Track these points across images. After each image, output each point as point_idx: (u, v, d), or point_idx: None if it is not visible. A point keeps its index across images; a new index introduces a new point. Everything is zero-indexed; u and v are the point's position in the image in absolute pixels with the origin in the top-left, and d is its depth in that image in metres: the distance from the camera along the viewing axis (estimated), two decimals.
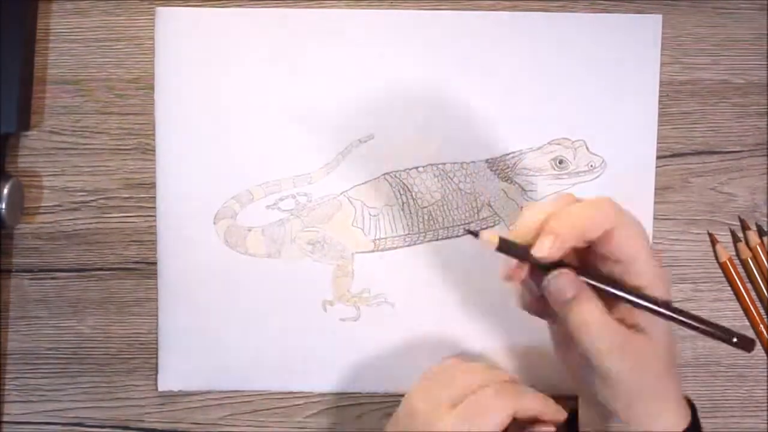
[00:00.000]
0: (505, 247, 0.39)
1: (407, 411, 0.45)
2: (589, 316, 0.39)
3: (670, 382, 0.42)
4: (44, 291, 0.54)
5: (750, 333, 0.54)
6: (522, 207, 0.53)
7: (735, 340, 0.41)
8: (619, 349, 0.39)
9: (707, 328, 0.41)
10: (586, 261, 0.41)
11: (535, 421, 0.44)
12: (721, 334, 0.41)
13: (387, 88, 0.53)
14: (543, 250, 0.38)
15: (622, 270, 0.40)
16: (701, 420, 0.44)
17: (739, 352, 0.54)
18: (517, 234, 0.40)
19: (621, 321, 0.40)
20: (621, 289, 0.39)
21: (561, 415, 0.44)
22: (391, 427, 0.47)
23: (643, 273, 0.40)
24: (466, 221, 0.53)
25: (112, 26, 0.53)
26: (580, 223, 0.39)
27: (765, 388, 0.54)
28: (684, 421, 0.42)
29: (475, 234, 0.38)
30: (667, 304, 0.40)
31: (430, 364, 0.48)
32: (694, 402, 0.45)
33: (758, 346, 0.54)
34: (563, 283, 0.39)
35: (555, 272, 0.39)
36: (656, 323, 0.40)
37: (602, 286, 0.40)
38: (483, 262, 0.53)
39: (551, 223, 0.39)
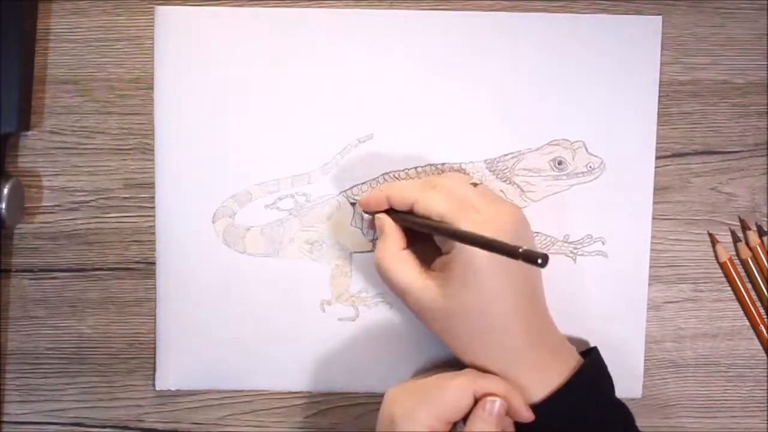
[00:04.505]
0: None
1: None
2: (385, 250, 0.49)
3: (505, 321, 0.46)
4: (44, 291, 0.54)
5: (750, 333, 0.54)
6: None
7: (521, 252, 0.38)
8: (413, 281, 0.47)
9: (492, 246, 0.41)
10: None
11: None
12: (507, 250, 0.40)
13: (386, 88, 0.53)
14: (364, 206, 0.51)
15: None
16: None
17: (739, 351, 0.54)
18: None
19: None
20: (419, 224, 0.48)
21: (520, 401, 0.45)
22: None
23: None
24: None
25: (112, 26, 0.53)
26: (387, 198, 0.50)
27: (765, 388, 0.54)
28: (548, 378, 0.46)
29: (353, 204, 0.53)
30: (451, 230, 0.45)
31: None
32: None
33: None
34: (377, 219, 0.50)
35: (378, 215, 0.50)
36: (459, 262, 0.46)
37: (406, 219, 0.49)
38: None
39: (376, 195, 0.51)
